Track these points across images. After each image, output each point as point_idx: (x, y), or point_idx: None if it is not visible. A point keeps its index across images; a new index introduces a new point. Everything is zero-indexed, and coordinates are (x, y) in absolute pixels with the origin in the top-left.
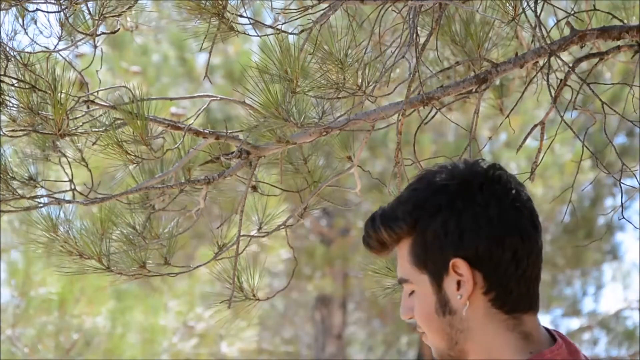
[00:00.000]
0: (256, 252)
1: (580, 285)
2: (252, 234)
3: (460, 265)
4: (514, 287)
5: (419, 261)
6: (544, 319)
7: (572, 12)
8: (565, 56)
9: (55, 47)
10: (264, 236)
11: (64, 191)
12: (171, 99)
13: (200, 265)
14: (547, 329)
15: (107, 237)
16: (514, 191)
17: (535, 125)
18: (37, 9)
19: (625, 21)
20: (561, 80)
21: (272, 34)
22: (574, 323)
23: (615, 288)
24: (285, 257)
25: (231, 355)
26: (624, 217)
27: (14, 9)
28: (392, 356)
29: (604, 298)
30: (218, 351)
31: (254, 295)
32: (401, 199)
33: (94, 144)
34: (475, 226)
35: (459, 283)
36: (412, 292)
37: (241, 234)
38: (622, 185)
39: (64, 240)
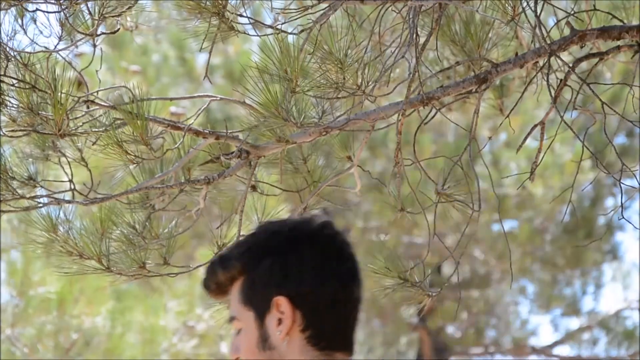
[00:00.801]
0: None
1: (580, 285)
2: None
3: (282, 304)
4: (328, 327)
5: (246, 299)
6: (544, 319)
7: (572, 12)
8: (565, 56)
9: (55, 47)
10: None
11: (63, 191)
12: (171, 99)
13: (200, 266)
14: None
15: (107, 237)
16: (339, 245)
17: (535, 125)
18: (37, 9)
19: (625, 21)
20: (561, 80)
21: (272, 34)
22: (574, 323)
23: (615, 288)
24: None
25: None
26: (623, 217)
27: (13, 9)
28: (392, 356)
29: (604, 298)
30: (218, 351)
31: None
32: (237, 243)
33: (94, 143)
34: (299, 270)
35: (279, 320)
36: (240, 331)
37: (241, 233)
38: (622, 185)
39: (64, 241)
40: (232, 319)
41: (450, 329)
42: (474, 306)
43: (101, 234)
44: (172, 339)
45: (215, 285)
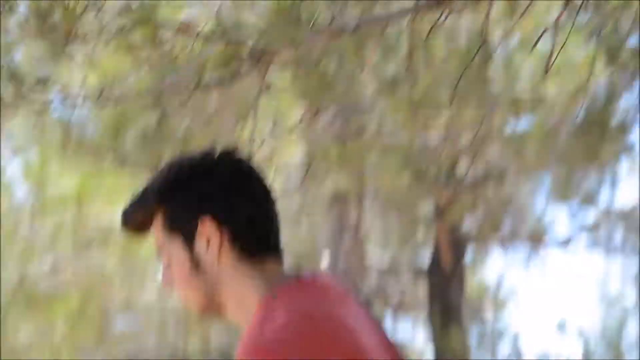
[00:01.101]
0: (270, 152)
1: (596, 180)
2: (265, 134)
3: (207, 225)
4: (254, 239)
5: (171, 227)
6: (560, 213)
7: None
8: None
9: None
10: (277, 137)
11: (75, 93)
12: (180, 4)
13: None
14: (300, 274)
15: (124, 132)
16: (247, 167)
17: (548, 27)
18: None
19: None
20: None
21: None
22: (590, 216)
23: (630, 183)
24: (300, 157)
25: None
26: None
27: None
28: (408, 251)
29: (620, 192)
30: None
31: None
32: (150, 181)
33: (105, 47)
34: (216, 192)
35: (208, 241)
36: (169, 263)
37: (254, 135)
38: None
39: (79, 137)
40: (159, 252)
41: (467, 224)
42: (489, 201)
43: (115, 134)
44: None
45: (135, 225)
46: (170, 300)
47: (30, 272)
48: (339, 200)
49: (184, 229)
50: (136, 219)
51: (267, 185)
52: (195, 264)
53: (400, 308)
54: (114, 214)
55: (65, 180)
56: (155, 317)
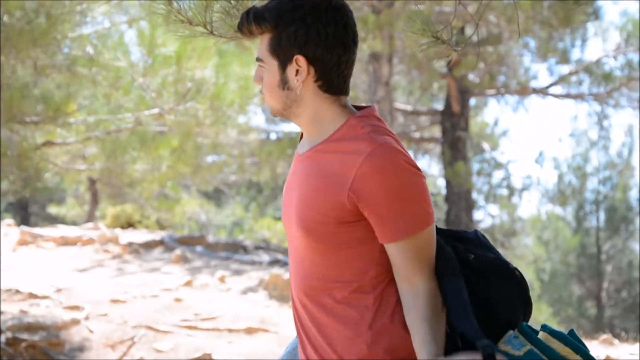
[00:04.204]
0: None
1: (569, 40)
2: None
3: (300, 60)
4: (335, 79)
5: (273, 50)
6: (542, 67)
7: None
8: None
9: None
10: None
11: None
12: None
13: None
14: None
15: (210, 8)
16: (347, 17)
17: None
18: None
19: None
20: None
21: None
22: (565, 69)
23: (596, 41)
24: None
25: None
26: None
27: None
28: (427, 98)
29: (588, 49)
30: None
31: None
32: (268, 6)
33: None
34: (316, 37)
35: (297, 71)
36: (263, 69)
37: None
38: None
39: (177, 12)
40: (258, 59)
41: (471, 76)
42: (488, 58)
43: (205, 7)
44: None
45: (247, 31)
46: (247, 140)
47: (142, 118)
48: (374, 58)
49: (281, 57)
50: (250, 30)
51: (356, 32)
52: (283, 82)
53: (419, 143)
54: (204, 72)
55: (168, 45)
56: (236, 153)
